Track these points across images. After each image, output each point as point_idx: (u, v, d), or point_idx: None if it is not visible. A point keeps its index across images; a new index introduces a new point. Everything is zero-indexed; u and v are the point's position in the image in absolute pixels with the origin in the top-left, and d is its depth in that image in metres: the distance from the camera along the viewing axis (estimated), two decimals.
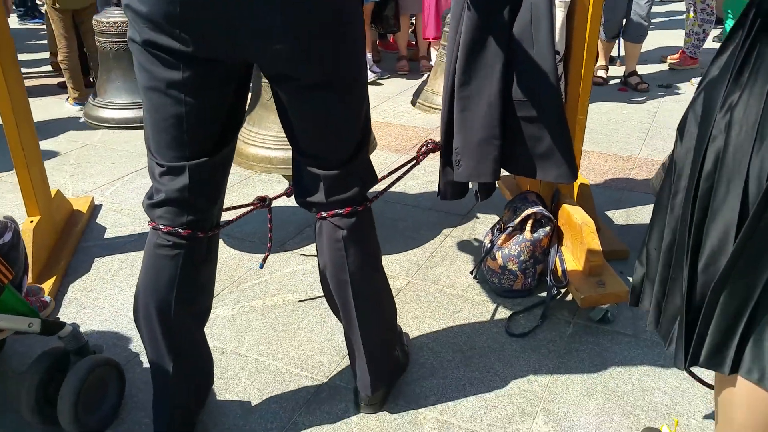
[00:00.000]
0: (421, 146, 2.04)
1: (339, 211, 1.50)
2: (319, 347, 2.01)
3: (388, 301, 1.68)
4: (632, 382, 1.84)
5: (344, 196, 1.49)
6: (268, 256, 2.06)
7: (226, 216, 1.78)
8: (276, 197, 2.10)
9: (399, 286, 2.32)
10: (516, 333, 2.04)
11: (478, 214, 2.84)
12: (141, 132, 4.08)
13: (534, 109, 1.86)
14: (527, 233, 2.17)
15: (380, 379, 1.70)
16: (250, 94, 1.86)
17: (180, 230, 1.43)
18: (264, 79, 2.17)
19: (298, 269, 2.44)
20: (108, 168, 3.53)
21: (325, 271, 1.57)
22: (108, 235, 2.77)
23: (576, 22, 2.04)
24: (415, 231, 2.72)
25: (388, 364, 1.74)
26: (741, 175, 1.08)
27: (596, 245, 2.05)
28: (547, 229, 2.19)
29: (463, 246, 2.60)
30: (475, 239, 2.64)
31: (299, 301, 2.24)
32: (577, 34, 2.05)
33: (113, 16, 2.15)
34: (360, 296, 1.56)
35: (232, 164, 1.58)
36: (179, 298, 1.46)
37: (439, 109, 2.40)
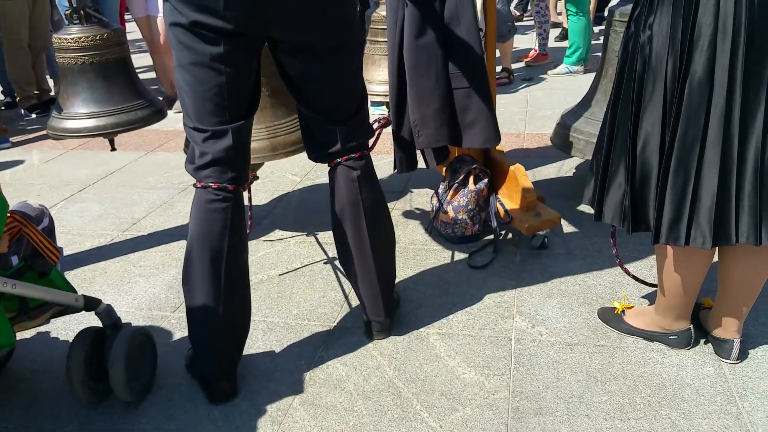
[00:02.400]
0: (372, 123, 2.37)
1: (352, 155, 1.81)
2: (317, 302, 2.27)
3: (392, 237, 2.00)
4: (578, 283, 2.28)
5: (355, 143, 1.82)
6: (249, 231, 2.28)
7: None
8: (253, 176, 2.37)
9: None
10: (478, 266, 2.43)
11: (412, 189, 3.22)
12: (56, 162, 4.12)
13: (465, 79, 2.25)
14: (471, 185, 2.56)
15: (390, 305, 2.01)
16: None
17: (227, 185, 1.67)
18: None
19: (270, 251, 2.68)
20: (36, 200, 3.53)
21: (342, 213, 1.86)
22: (67, 252, 2.84)
23: (489, 2, 2.47)
24: None
25: (394, 295, 2.05)
26: (661, 73, 1.53)
27: (529, 184, 2.48)
28: (486, 180, 2.60)
29: (408, 214, 2.95)
30: (417, 208, 3.00)
31: (281, 275, 2.49)
32: (490, 13, 2.48)
33: (75, 32, 2.29)
34: (373, 230, 1.86)
35: None
36: (230, 245, 1.69)
37: (376, 95, 2.76)
